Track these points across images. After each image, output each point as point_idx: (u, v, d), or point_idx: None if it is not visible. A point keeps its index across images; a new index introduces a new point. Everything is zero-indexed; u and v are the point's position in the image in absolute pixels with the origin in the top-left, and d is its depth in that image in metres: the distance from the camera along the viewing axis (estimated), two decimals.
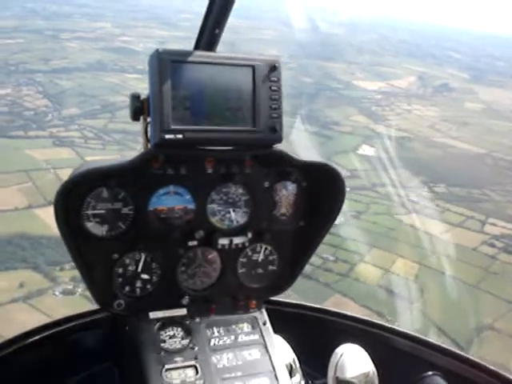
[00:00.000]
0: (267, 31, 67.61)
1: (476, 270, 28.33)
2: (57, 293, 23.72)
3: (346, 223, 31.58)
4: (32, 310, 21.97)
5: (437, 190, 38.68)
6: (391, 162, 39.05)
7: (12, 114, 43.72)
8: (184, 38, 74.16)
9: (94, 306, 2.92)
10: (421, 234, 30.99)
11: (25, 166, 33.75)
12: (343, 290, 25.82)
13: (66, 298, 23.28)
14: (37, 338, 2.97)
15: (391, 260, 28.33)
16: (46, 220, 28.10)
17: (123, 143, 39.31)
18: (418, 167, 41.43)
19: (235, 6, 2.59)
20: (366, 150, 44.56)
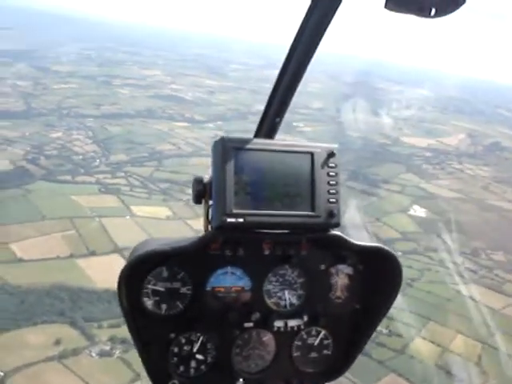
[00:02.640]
0: (314, 84, 67.73)
1: None
2: (93, 354, 22.48)
3: (399, 292, 29.78)
4: (66, 372, 20.85)
5: (494, 258, 36.42)
6: (445, 224, 37.26)
7: (61, 158, 44.33)
8: (232, 88, 75.75)
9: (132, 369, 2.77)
10: (481, 307, 28.83)
11: (70, 212, 33.52)
12: (398, 369, 23.73)
13: (102, 360, 22.03)
14: None
15: (450, 336, 26.25)
16: (87, 271, 27.47)
17: (168, 193, 38.90)
18: (473, 232, 39.41)
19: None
20: (418, 210, 42.94)
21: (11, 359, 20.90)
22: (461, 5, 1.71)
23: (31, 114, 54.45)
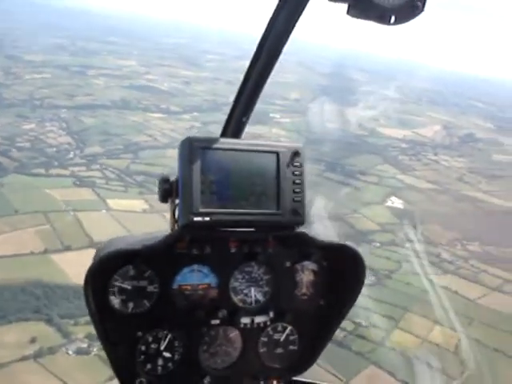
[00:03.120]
0: (290, 74, 67.44)
1: None
2: (70, 351, 21.99)
3: (378, 283, 29.91)
4: (43, 372, 20.32)
5: (470, 249, 36.88)
6: (421, 216, 37.56)
7: (34, 150, 43.21)
8: (208, 79, 74.94)
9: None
10: (457, 298, 29.22)
11: (43, 206, 32.67)
12: (378, 361, 23.83)
13: (79, 358, 21.54)
14: None
15: (428, 327, 26.44)
16: (63, 266, 26.90)
17: (145, 186, 38.30)
18: (449, 223, 39.87)
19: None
20: (395, 201, 43.18)
21: None
22: (419, 14, 1.76)
23: (2, 104, 52.80)
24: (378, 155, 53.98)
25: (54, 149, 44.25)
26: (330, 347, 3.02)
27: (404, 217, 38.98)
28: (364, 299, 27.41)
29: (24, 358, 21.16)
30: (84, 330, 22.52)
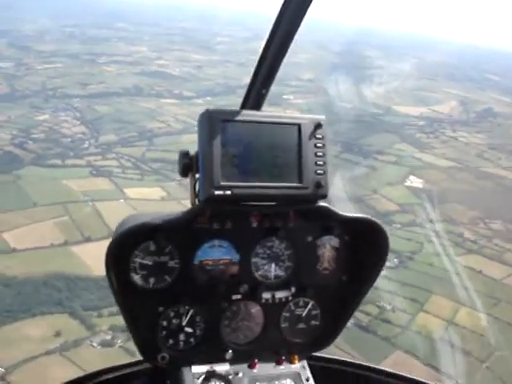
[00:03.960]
0: (302, 55, 66.46)
1: None
2: (95, 344, 21.97)
3: (400, 265, 29.51)
4: (69, 365, 20.34)
5: (493, 227, 36.20)
6: (442, 194, 36.92)
7: (49, 142, 43.16)
8: (220, 62, 74.22)
9: (136, 357, 2.87)
10: (482, 278, 28.73)
11: (62, 197, 32.63)
12: (404, 346, 23.49)
13: (104, 350, 21.50)
14: None
15: (454, 309, 26.02)
16: (83, 258, 26.85)
17: (162, 173, 38.13)
18: (470, 201, 39.16)
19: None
20: (414, 181, 42.47)
21: (11, 354, 20.28)
22: None
23: (15, 96, 52.59)
24: (395, 134, 53.12)
25: (69, 139, 44.10)
26: (355, 333, 4.93)
27: (424, 197, 38.51)
28: (388, 282, 27.11)
29: (50, 352, 21.23)
30: (108, 321, 22.51)
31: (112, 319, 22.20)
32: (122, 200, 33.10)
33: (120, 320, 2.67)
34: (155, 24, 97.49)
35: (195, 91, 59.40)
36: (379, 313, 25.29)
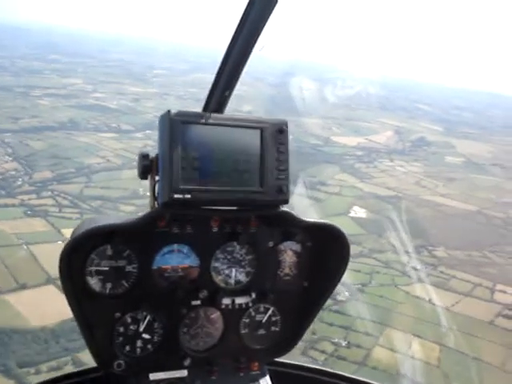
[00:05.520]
0: (240, 86, 66.75)
1: (499, 349, 26.13)
2: None
3: (352, 298, 29.30)
4: None
5: (437, 255, 37.01)
6: (385, 224, 37.35)
7: None
8: (158, 95, 73.35)
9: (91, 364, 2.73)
10: (431, 307, 28.97)
11: None
12: None
13: None
14: None
15: (408, 341, 25.88)
16: (19, 308, 24.74)
17: (102, 211, 36.35)
18: (413, 229, 39.83)
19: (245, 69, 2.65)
20: (358, 211, 42.97)
21: None
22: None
23: None
24: (335, 164, 54.01)
25: (0, 176, 41.43)
26: None
27: (369, 227, 38.89)
28: (341, 316, 26.75)
29: None
30: (47, 377, 20.56)
31: (52, 375, 20.32)
32: (59, 242, 30.78)
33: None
34: (89, 56, 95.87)
35: (133, 124, 58.19)
36: (334, 350, 24.81)
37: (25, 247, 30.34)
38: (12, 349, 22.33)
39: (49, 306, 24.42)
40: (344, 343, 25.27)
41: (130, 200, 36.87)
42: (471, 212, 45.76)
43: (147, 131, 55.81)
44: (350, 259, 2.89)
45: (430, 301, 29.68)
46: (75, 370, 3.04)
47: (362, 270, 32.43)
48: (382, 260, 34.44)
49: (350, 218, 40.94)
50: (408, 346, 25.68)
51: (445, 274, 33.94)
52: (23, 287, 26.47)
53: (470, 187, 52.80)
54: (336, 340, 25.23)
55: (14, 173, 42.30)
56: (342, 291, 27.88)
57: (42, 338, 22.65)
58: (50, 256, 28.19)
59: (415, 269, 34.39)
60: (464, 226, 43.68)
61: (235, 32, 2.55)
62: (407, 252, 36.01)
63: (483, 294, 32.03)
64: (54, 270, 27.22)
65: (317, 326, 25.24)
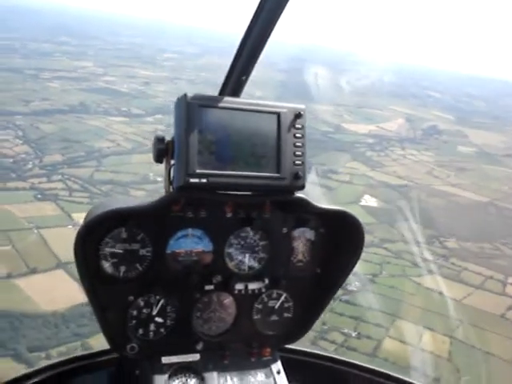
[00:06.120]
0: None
1: (510, 343, 25.90)
2: None
3: (362, 289, 29.10)
4: None
5: (448, 246, 36.67)
6: (397, 214, 37.00)
7: None
8: (169, 79, 72.88)
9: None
10: (443, 299, 28.69)
11: (3, 225, 30.07)
12: None
13: None
14: (42, 377, 2.90)
15: (418, 333, 25.68)
16: (29, 292, 24.86)
17: (112, 196, 36.28)
18: (424, 219, 39.48)
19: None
20: (369, 200, 42.63)
21: None
22: None
23: None
24: (346, 152, 53.58)
25: (11, 159, 41.27)
26: None
27: (380, 216, 38.56)
28: (351, 307, 26.60)
29: None
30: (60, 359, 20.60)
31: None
32: (70, 226, 30.81)
33: None
34: (100, 38, 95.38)
35: (144, 108, 57.91)
36: (344, 340, 24.67)
37: (35, 231, 30.41)
38: (22, 333, 22.43)
39: (59, 291, 24.51)
40: (354, 334, 25.17)
41: (141, 185, 36.79)
42: (483, 203, 45.29)
43: (158, 115, 55.66)
44: None
45: (440, 293, 29.42)
46: (88, 351, 3.06)
47: (373, 260, 32.20)
48: (392, 250, 34.17)
49: (361, 207, 40.65)
50: (418, 338, 25.46)
51: (456, 266, 33.66)
52: (33, 271, 26.53)
53: (481, 178, 52.25)
54: (346, 330, 25.15)
55: (24, 156, 42.25)
56: (352, 281, 27.73)
57: (53, 323, 22.73)
58: (60, 240, 28.34)
59: (426, 260, 34.11)
60: (475, 217, 43.30)
61: (253, 16, 2.51)
62: (418, 242, 35.78)
63: (495, 287, 31.77)
64: (64, 254, 27.26)
65: (327, 316, 25.15)
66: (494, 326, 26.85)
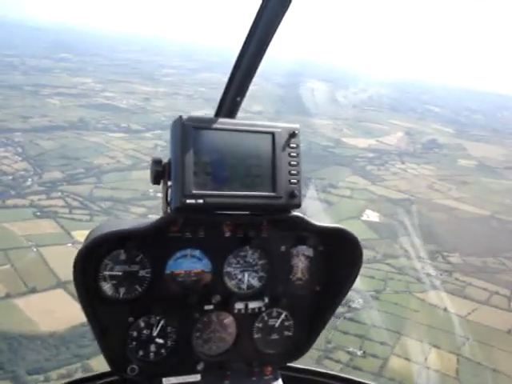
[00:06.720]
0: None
1: None
2: None
3: (366, 306, 28.76)
4: None
5: (452, 261, 36.33)
6: (399, 229, 36.76)
7: None
8: (168, 94, 73.03)
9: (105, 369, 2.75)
10: (447, 315, 28.33)
11: (2, 243, 29.70)
12: None
13: None
14: None
15: (424, 351, 25.27)
16: (28, 312, 24.36)
17: (112, 213, 35.93)
18: (426, 234, 39.24)
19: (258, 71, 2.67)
20: (370, 215, 42.33)
21: None
22: None
23: None
24: (347, 166, 53.45)
25: (10, 176, 41.08)
26: None
27: (382, 231, 38.26)
28: (355, 325, 26.23)
29: None
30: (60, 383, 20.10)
31: (62, 382, 19.87)
32: (69, 244, 30.46)
33: None
34: (99, 55, 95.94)
35: (143, 124, 57.98)
36: (350, 359, 24.22)
37: (34, 249, 29.96)
38: (21, 355, 21.91)
39: (58, 311, 24.06)
40: (359, 352, 24.71)
41: (141, 201, 36.53)
42: (485, 216, 45.09)
43: (157, 131, 55.59)
44: (364, 265, 2.81)
45: (445, 309, 29.08)
46: (89, 374, 3.03)
47: (376, 276, 31.92)
48: (396, 266, 33.82)
49: (363, 222, 40.35)
50: (425, 356, 25.09)
51: (460, 281, 33.29)
52: (33, 291, 26.04)
53: (483, 191, 52.15)
54: (351, 349, 24.68)
55: (23, 173, 41.98)
56: (356, 298, 27.36)
57: (52, 344, 22.25)
58: (60, 259, 27.98)
59: (430, 275, 33.79)
60: (478, 231, 43.01)
61: (246, 38, 2.56)
62: (421, 258, 35.47)
63: (500, 303, 31.38)
64: (63, 273, 26.89)
65: (331, 335, 24.76)
66: (501, 343, 26.46)
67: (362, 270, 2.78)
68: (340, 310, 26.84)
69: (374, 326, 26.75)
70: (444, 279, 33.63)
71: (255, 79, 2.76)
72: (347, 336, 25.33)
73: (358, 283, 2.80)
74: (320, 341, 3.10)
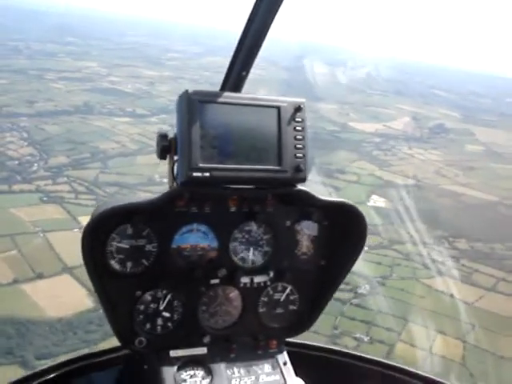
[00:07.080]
0: (256, 70, 65.70)
1: None
2: None
3: (373, 292, 28.74)
4: None
5: (458, 247, 36.19)
6: (405, 214, 36.56)
7: None
8: (172, 78, 72.55)
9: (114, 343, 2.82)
10: (454, 302, 28.29)
11: (9, 228, 29.75)
12: None
13: None
14: (52, 375, 2.92)
15: (430, 337, 25.29)
16: (35, 298, 24.52)
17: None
18: (433, 220, 39.06)
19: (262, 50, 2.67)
20: (377, 201, 42.10)
21: None
22: None
23: None
24: (353, 151, 53.10)
25: (16, 162, 41.05)
26: None
27: (388, 217, 38.08)
28: (362, 311, 26.24)
29: None
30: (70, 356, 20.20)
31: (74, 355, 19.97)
32: (76, 230, 30.40)
33: None
34: (104, 39, 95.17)
35: (149, 109, 57.62)
36: (357, 345, 24.26)
37: (41, 235, 30.10)
38: (29, 340, 22.09)
39: (65, 297, 24.17)
40: (366, 338, 24.80)
41: (147, 187, 36.46)
42: (492, 202, 44.80)
43: (162, 115, 55.29)
44: (370, 250, 2.87)
45: (452, 295, 29.03)
46: (95, 350, 3.06)
47: (383, 262, 31.85)
48: (402, 252, 33.72)
49: (369, 207, 40.13)
50: (431, 342, 25.12)
51: (467, 268, 33.25)
52: (39, 276, 26.18)
53: (490, 177, 51.78)
54: (358, 335, 24.80)
55: (29, 158, 41.98)
56: (362, 284, 27.34)
57: (60, 330, 22.38)
58: (66, 244, 28.01)
59: (436, 261, 33.68)
60: (485, 217, 42.75)
61: (252, 12, 2.54)
62: (428, 244, 35.33)
63: (507, 289, 31.30)
64: (70, 258, 26.92)
65: (338, 321, 24.80)
66: (508, 330, 26.48)
67: (369, 256, 2.84)
68: (347, 295, 26.86)
69: (380, 312, 26.75)
70: (451, 265, 33.55)
71: (260, 63, 2.77)
72: (354, 322, 25.39)
73: (366, 269, 2.84)
74: (327, 326, 2.98)
